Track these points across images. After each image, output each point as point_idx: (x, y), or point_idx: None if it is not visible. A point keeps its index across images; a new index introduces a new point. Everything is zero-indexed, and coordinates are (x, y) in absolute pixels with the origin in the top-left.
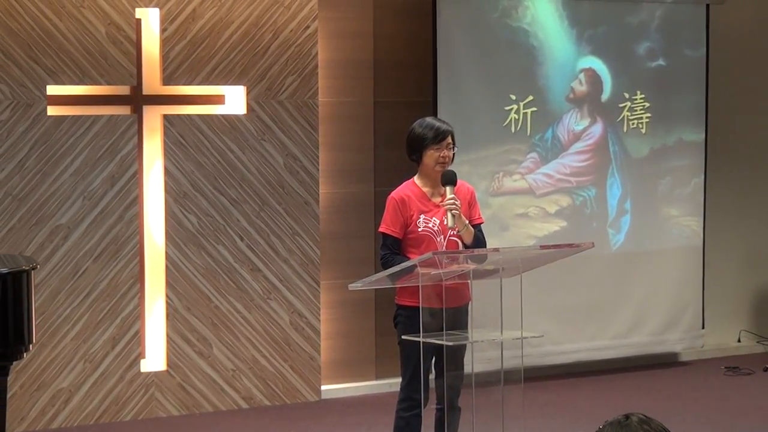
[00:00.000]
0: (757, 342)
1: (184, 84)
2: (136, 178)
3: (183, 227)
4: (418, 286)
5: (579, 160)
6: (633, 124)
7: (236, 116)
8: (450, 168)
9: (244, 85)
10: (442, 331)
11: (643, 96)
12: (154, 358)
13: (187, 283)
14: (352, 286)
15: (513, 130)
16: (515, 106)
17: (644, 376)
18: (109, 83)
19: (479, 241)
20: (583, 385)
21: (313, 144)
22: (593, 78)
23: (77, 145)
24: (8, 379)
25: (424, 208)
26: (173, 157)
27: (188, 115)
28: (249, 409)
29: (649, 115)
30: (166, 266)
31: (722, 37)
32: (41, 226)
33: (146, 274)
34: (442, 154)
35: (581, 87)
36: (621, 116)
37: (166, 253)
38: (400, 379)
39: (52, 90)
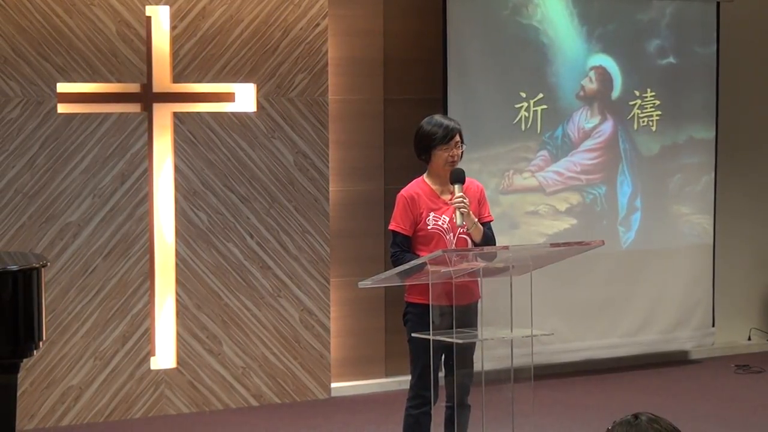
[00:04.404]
0: None
1: (194, 81)
2: (146, 175)
3: (193, 225)
4: (428, 283)
5: (589, 157)
6: (643, 121)
7: (246, 114)
8: (460, 165)
9: (254, 82)
10: (452, 328)
11: (653, 94)
12: (164, 356)
13: (197, 280)
14: (362, 284)
15: (523, 127)
16: (525, 104)
17: (654, 375)
18: (119, 81)
19: (488, 239)
20: (593, 383)
21: (323, 141)
22: (603, 76)
23: (87, 142)
24: (19, 376)
25: (434, 205)
26: (183, 154)
27: (198, 112)
28: (259, 407)
29: (659, 112)
30: (176, 264)
31: (733, 34)
32: (51, 223)
33: (156, 272)
34: (451, 153)
35: (591, 85)
36: (631, 114)
37: (176, 250)
38: (409, 377)
39: (63, 87)
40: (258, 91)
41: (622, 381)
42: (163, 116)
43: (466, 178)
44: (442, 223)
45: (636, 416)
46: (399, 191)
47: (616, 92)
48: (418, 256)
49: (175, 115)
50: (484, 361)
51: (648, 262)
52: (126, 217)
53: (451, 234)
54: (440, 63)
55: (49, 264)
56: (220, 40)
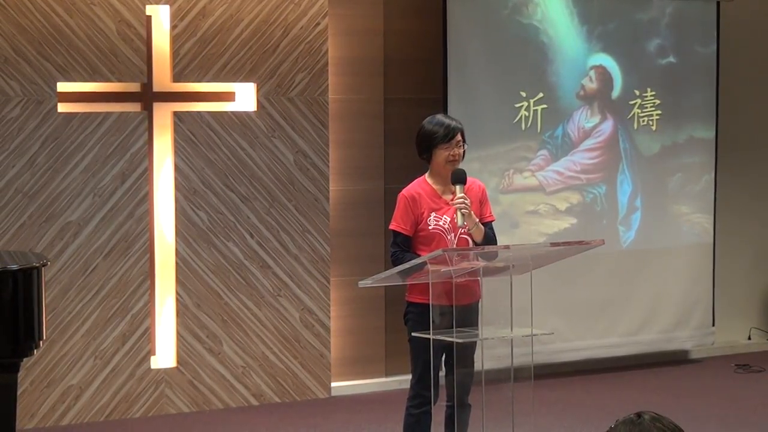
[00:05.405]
0: None
1: (194, 81)
2: (147, 175)
3: (193, 224)
4: (429, 283)
5: (589, 157)
6: (643, 121)
7: (246, 113)
8: (460, 165)
9: (254, 82)
10: (453, 328)
11: (653, 93)
12: (164, 355)
13: (197, 280)
14: (362, 283)
15: (523, 127)
16: (525, 103)
17: (654, 374)
18: (119, 80)
19: (490, 239)
20: (593, 382)
21: (324, 141)
22: (604, 75)
23: (87, 142)
24: (19, 375)
25: (435, 205)
26: (183, 154)
27: (198, 112)
28: (259, 406)
29: (659, 112)
30: (176, 263)
31: (733, 33)
32: (51, 222)
33: (156, 271)
34: (452, 153)
35: (592, 84)
36: (631, 113)
37: (176, 250)
38: (410, 376)
39: (63, 87)
40: (258, 90)
41: (622, 380)
42: (163, 116)
43: (468, 178)
44: (444, 224)
45: (639, 415)
46: (399, 191)
47: (616, 91)
48: (419, 256)
49: (175, 114)
50: (485, 360)
51: (648, 262)
52: (126, 217)
53: (452, 234)
54: (440, 62)
55: (49, 263)
56: (220, 39)
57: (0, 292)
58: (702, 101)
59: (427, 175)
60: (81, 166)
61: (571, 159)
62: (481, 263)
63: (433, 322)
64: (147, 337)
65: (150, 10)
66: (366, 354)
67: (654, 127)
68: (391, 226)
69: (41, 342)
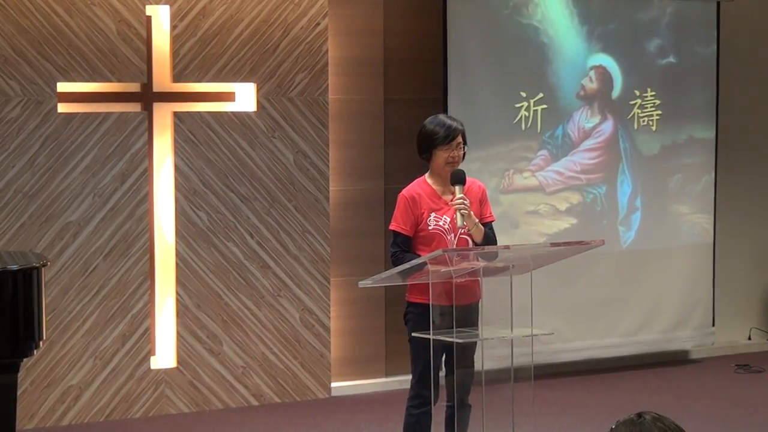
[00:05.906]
0: None
1: (194, 81)
2: (147, 175)
3: (193, 224)
4: (429, 283)
5: (589, 157)
6: (643, 121)
7: (246, 113)
8: (460, 165)
9: (254, 82)
10: (453, 328)
11: (653, 93)
12: (164, 356)
13: (197, 280)
14: (362, 284)
15: (523, 127)
16: (525, 104)
17: (654, 374)
18: (119, 80)
19: (489, 239)
20: (593, 382)
21: (324, 141)
22: (604, 75)
23: (87, 142)
24: (19, 375)
25: (435, 206)
26: (183, 154)
27: (198, 112)
28: (259, 407)
29: (659, 112)
30: (176, 263)
31: (733, 34)
32: (51, 223)
33: (156, 272)
34: (451, 154)
35: (592, 84)
36: (631, 113)
37: (176, 250)
38: (410, 377)
39: (63, 87)
40: (258, 90)
41: (623, 380)
42: (163, 116)
43: (468, 178)
44: (443, 224)
45: (640, 415)
46: (399, 191)
47: (617, 92)
48: (419, 256)
49: (176, 114)
50: (485, 360)
51: (648, 262)
52: (126, 217)
53: (452, 234)
54: (440, 63)
55: (49, 263)
56: (220, 39)
57: (0, 292)
58: (702, 101)
59: (427, 175)
60: (81, 167)
61: (571, 159)
62: (481, 263)
63: (433, 322)
64: (147, 338)
65: (150, 10)
66: (366, 354)
67: (654, 128)
68: (391, 227)
69: (41, 342)
